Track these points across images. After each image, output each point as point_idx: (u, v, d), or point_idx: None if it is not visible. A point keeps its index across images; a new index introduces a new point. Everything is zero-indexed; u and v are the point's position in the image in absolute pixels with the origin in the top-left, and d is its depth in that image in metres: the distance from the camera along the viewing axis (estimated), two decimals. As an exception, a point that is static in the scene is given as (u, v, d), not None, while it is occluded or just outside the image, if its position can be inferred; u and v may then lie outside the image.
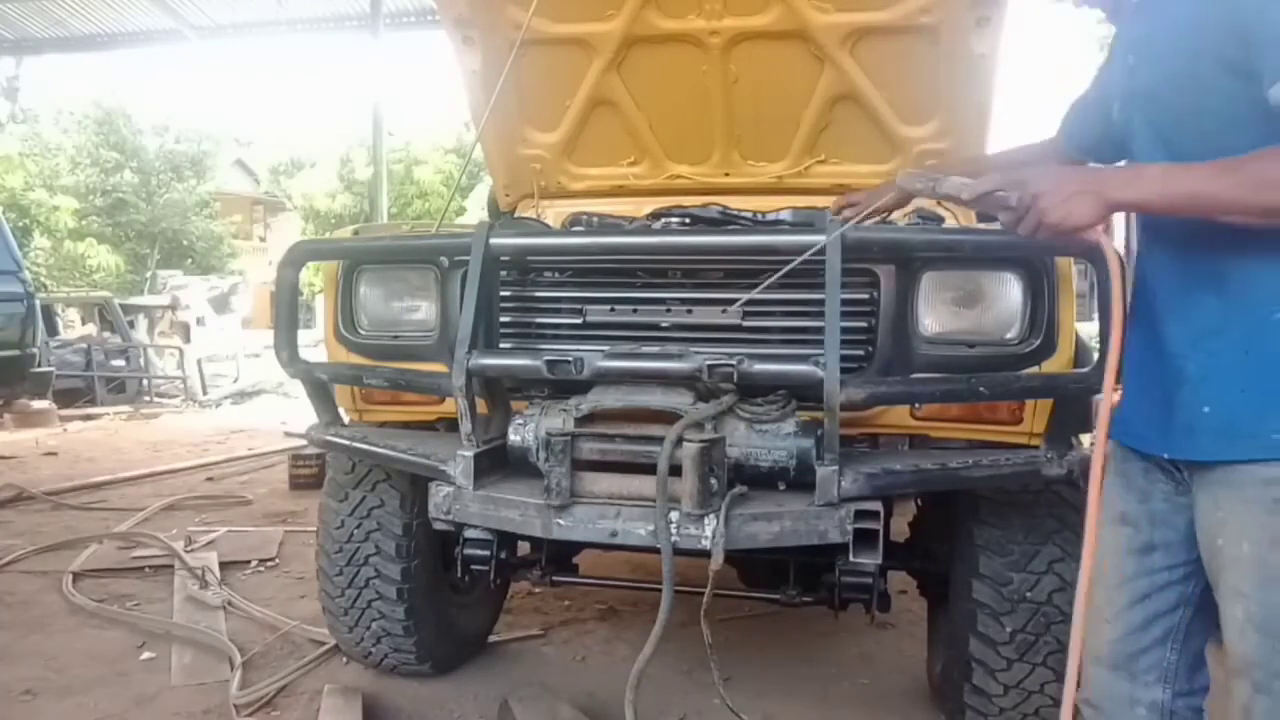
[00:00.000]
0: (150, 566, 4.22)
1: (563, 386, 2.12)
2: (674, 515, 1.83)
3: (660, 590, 1.85)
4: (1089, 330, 2.01)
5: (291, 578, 4.11)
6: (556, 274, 2.36)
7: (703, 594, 1.91)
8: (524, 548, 2.77)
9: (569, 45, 3.03)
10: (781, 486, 1.96)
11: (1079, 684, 1.51)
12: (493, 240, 2.08)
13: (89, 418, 10.82)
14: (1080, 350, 2.09)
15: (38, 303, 8.69)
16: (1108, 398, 1.47)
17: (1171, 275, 1.43)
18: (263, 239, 32.48)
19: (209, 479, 6.72)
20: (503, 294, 2.31)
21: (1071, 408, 1.98)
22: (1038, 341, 2.02)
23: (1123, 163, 1.59)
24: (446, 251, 2.36)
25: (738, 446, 1.94)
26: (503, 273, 2.30)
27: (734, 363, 1.90)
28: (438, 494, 2.04)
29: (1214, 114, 1.34)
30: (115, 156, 24.25)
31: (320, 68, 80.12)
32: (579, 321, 2.30)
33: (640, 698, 1.87)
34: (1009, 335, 2.06)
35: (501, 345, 2.30)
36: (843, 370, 1.81)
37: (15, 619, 3.55)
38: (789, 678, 3.06)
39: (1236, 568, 1.36)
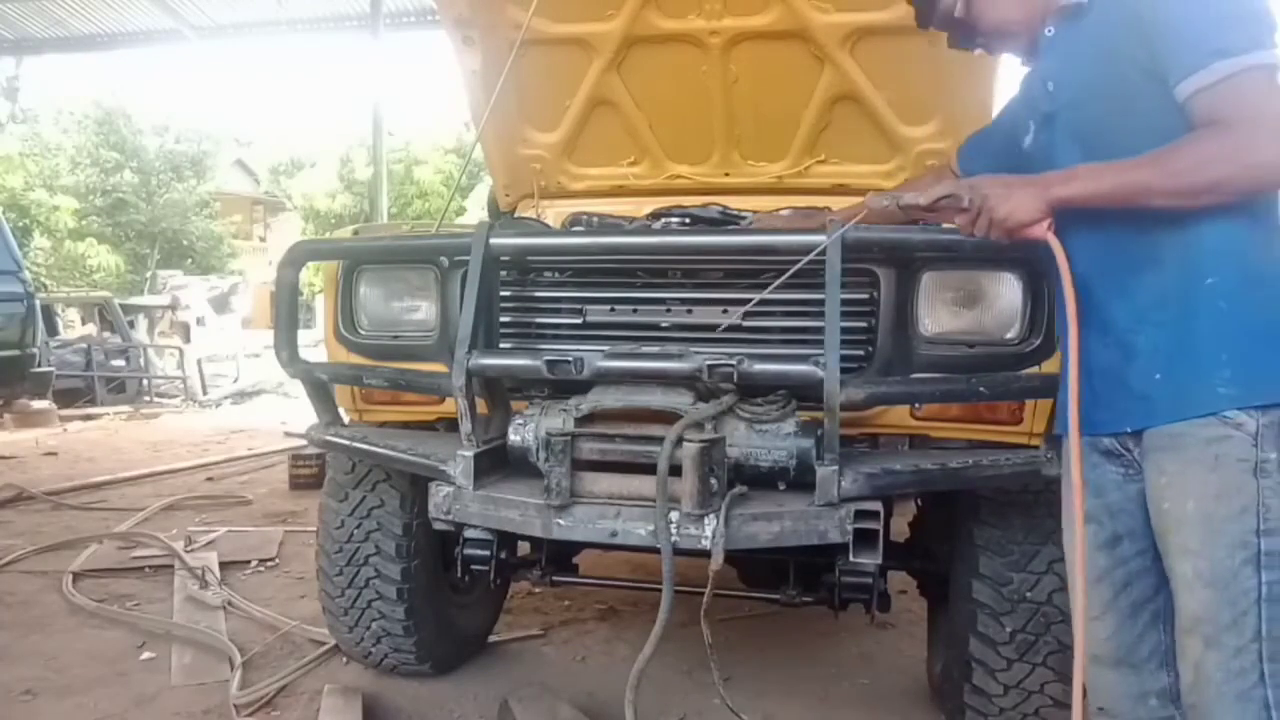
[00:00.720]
0: (150, 566, 4.22)
1: (563, 386, 2.12)
2: (674, 515, 1.83)
3: (660, 590, 1.85)
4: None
5: (291, 578, 4.11)
6: (556, 274, 2.35)
7: (703, 594, 1.90)
8: (524, 548, 2.77)
9: (569, 45, 3.03)
10: (781, 486, 1.96)
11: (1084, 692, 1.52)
12: (493, 240, 2.08)
13: (89, 418, 10.82)
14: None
15: (38, 303, 8.69)
16: (1075, 387, 1.51)
17: (1108, 261, 1.50)
18: (263, 239, 32.48)
19: (209, 479, 6.72)
20: (503, 294, 2.31)
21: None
22: (1038, 341, 2.02)
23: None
24: (446, 251, 2.36)
25: (738, 446, 1.94)
26: (503, 273, 2.30)
27: (734, 363, 1.90)
28: (438, 494, 2.04)
29: (1134, 115, 1.46)
30: (115, 156, 24.25)
31: (320, 68, 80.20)
32: (579, 321, 2.30)
33: (640, 698, 1.87)
34: (1009, 335, 2.06)
35: (501, 345, 2.30)
36: (843, 370, 1.81)
37: (15, 619, 3.55)
38: (789, 678, 3.06)
39: (1182, 527, 1.42)
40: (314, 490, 4.73)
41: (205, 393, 13.40)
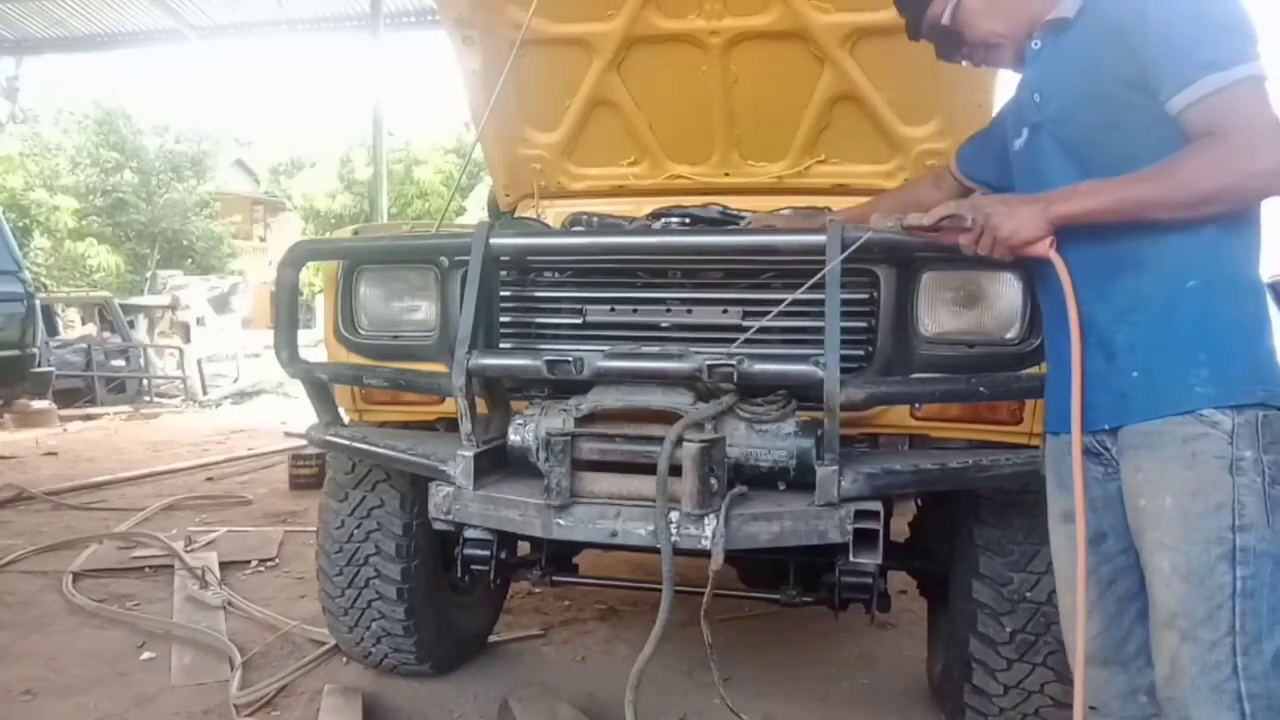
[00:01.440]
0: (150, 566, 4.22)
1: (563, 386, 2.12)
2: (674, 515, 1.83)
3: (660, 590, 1.85)
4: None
5: (291, 578, 4.11)
6: (556, 274, 2.35)
7: (703, 594, 1.90)
8: (524, 548, 2.77)
9: (569, 45, 3.03)
10: (781, 486, 1.96)
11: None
12: (493, 240, 2.08)
13: (89, 418, 10.82)
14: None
15: (38, 303, 8.69)
16: (1078, 395, 1.52)
17: (1090, 262, 1.52)
18: (263, 239, 32.47)
19: (209, 479, 6.72)
20: (503, 294, 2.31)
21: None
22: (1038, 341, 2.01)
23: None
24: (446, 251, 2.36)
25: (738, 446, 1.94)
26: (503, 273, 2.30)
27: (734, 363, 1.90)
28: (438, 494, 2.04)
29: (1121, 127, 1.49)
30: (115, 156, 24.24)
31: (320, 68, 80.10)
32: (579, 321, 2.30)
33: (640, 698, 1.87)
34: (1009, 335, 2.06)
35: (501, 345, 2.30)
36: (843, 370, 1.81)
37: (15, 619, 3.55)
38: (789, 678, 3.06)
39: (1159, 522, 1.45)
40: (314, 490, 4.73)
41: (205, 393, 13.40)
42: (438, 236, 2.54)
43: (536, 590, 3.62)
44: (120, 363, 13.09)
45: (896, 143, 3.12)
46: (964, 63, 1.78)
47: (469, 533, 2.47)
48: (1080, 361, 1.51)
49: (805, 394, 1.96)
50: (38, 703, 2.82)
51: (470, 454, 2.01)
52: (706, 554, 1.82)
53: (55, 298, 15.26)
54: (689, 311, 2.23)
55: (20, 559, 4.33)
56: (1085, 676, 1.57)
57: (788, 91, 3.05)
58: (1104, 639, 1.61)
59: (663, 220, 2.67)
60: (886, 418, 2.18)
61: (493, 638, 3.32)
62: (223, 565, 4.20)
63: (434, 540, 2.75)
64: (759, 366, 1.92)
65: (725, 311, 2.17)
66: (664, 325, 2.25)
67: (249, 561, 4.34)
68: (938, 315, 2.10)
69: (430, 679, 2.96)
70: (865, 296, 2.11)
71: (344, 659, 3.08)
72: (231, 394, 13.51)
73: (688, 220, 2.64)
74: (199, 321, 16.79)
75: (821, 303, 1.84)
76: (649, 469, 1.86)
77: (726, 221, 2.64)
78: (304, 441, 3.00)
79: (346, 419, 2.51)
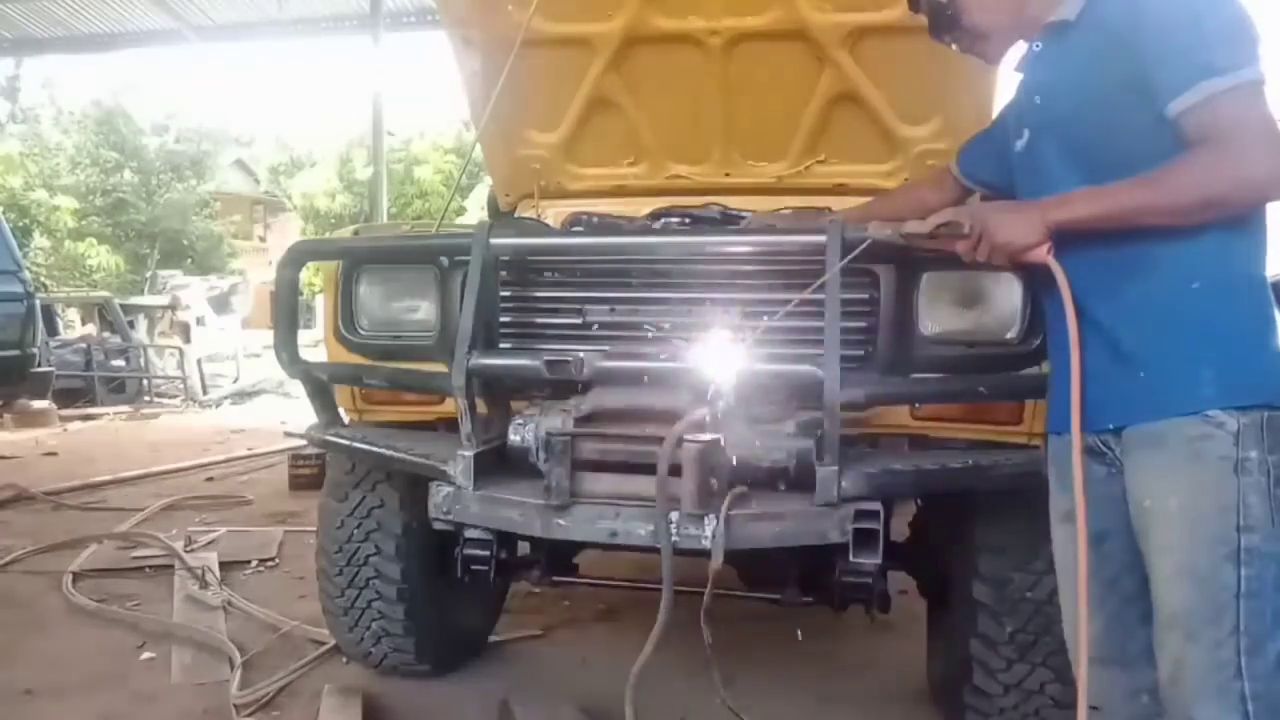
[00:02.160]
0: (150, 566, 4.22)
1: (563, 386, 2.12)
2: (674, 515, 1.83)
3: (660, 590, 1.85)
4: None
5: (291, 578, 4.11)
6: (556, 274, 2.35)
7: (703, 594, 1.90)
8: (524, 548, 2.76)
9: (569, 45, 3.03)
10: (781, 486, 1.96)
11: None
12: (493, 240, 2.08)
13: (89, 418, 10.82)
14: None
15: (38, 303, 8.67)
16: (1077, 396, 1.52)
17: (1092, 266, 1.52)
18: (263, 239, 32.46)
19: (209, 479, 6.72)
20: (503, 294, 2.31)
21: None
22: (1037, 341, 2.01)
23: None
24: (446, 251, 2.36)
25: (738, 446, 1.94)
26: (503, 273, 2.30)
27: (734, 363, 1.90)
28: (438, 494, 2.04)
29: (1121, 130, 1.49)
30: (115, 156, 24.25)
31: (320, 68, 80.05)
32: (579, 321, 2.30)
33: (640, 698, 1.87)
34: (1009, 335, 2.06)
35: (501, 345, 2.30)
36: (843, 370, 1.81)
37: (15, 619, 3.55)
38: (789, 678, 3.06)
39: (1164, 523, 1.45)
40: (314, 490, 4.72)
41: (205, 393, 13.38)
42: (438, 236, 2.54)
43: (536, 590, 3.61)
44: (120, 363, 13.08)
45: (896, 143, 3.12)
46: (953, 46, 1.77)
47: (469, 533, 2.46)
48: (1080, 364, 1.51)
49: (805, 394, 1.96)
50: (38, 703, 2.82)
51: (470, 454, 2.01)
52: (706, 554, 1.82)
53: (55, 298, 15.26)
54: (689, 312, 2.23)
55: (20, 559, 4.33)
56: (1087, 676, 1.58)
57: (788, 91, 3.05)
58: (1106, 639, 1.61)
59: (662, 220, 2.67)
60: (886, 418, 2.18)
61: (493, 638, 3.32)
62: (223, 565, 4.20)
63: (434, 540, 2.75)
64: (759, 367, 1.92)
65: (725, 312, 2.17)
66: (664, 325, 2.25)
67: (249, 561, 4.34)
68: (938, 315, 2.09)
69: (430, 679, 2.96)
70: (865, 296, 2.10)
71: (344, 659, 3.08)
72: (231, 394, 13.50)
73: (687, 220, 2.64)
74: (199, 321, 16.75)
75: (821, 303, 1.84)
76: (649, 469, 1.86)
77: (726, 221, 2.64)
78: (304, 441, 3.00)
79: (346, 419, 2.51)
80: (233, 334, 16.39)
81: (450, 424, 2.24)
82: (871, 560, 1.87)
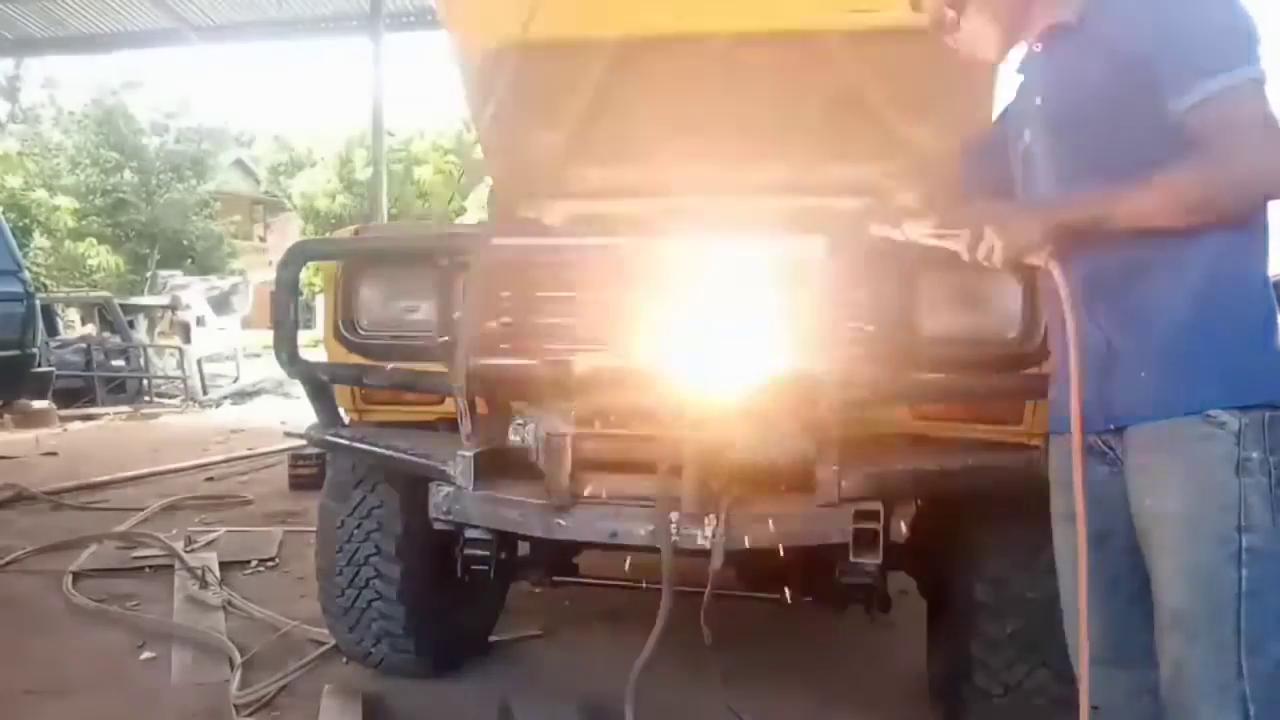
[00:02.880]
0: (150, 566, 4.21)
1: (562, 387, 2.12)
2: (674, 515, 1.83)
3: (660, 590, 1.85)
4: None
5: (291, 578, 4.11)
6: (556, 274, 2.35)
7: (703, 594, 1.90)
8: (524, 548, 2.77)
9: (569, 45, 3.03)
10: (781, 487, 1.96)
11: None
12: (493, 240, 2.08)
13: (89, 418, 10.80)
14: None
15: (38, 303, 8.67)
16: (1078, 399, 1.51)
17: (1095, 265, 1.52)
18: (263, 239, 32.47)
19: (209, 479, 6.72)
20: (503, 294, 2.31)
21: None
22: (1038, 341, 2.02)
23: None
24: (446, 251, 2.36)
25: (738, 447, 1.94)
26: (502, 273, 2.30)
27: (733, 363, 1.90)
28: (438, 494, 2.05)
29: (1122, 130, 1.49)
30: (115, 156, 24.25)
31: (320, 68, 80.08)
32: (579, 322, 2.29)
33: (640, 697, 1.87)
34: (1009, 335, 2.06)
35: (501, 345, 2.30)
36: (843, 370, 1.81)
37: (15, 619, 3.55)
38: (789, 678, 3.05)
39: (1165, 523, 1.45)
40: (314, 490, 4.71)
41: (205, 393, 13.37)
42: (438, 236, 2.54)
43: (536, 590, 3.61)
44: (120, 363, 13.06)
45: (896, 143, 3.12)
46: (948, 39, 1.77)
47: (469, 533, 2.47)
48: (1079, 366, 1.51)
49: (805, 394, 1.96)
50: (38, 703, 2.82)
51: (470, 454, 2.01)
52: (706, 554, 1.83)
53: (55, 298, 15.26)
54: (689, 312, 2.23)
55: (20, 559, 4.33)
56: (1089, 677, 1.58)
57: (789, 92, 3.04)
58: (1108, 639, 1.61)
59: (663, 221, 2.66)
60: (886, 418, 2.18)
61: (493, 638, 3.31)
62: (223, 565, 4.20)
63: (434, 540, 2.75)
64: (759, 367, 1.92)
65: (725, 312, 2.16)
66: (664, 325, 2.24)
67: (249, 561, 4.34)
68: (938, 315, 2.09)
69: (430, 679, 2.96)
70: (865, 296, 2.10)
71: (344, 659, 3.08)
72: (231, 394, 13.49)
73: (687, 221, 2.64)
74: (199, 321, 16.73)
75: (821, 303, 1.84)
76: (649, 469, 1.86)
77: (727, 222, 2.64)
78: (304, 441, 3.00)
79: (346, 419, 2.51)
80: (233, 334, 16.39)
81: (450, 424, 2.24)
82: (871, 560, 1.87)
